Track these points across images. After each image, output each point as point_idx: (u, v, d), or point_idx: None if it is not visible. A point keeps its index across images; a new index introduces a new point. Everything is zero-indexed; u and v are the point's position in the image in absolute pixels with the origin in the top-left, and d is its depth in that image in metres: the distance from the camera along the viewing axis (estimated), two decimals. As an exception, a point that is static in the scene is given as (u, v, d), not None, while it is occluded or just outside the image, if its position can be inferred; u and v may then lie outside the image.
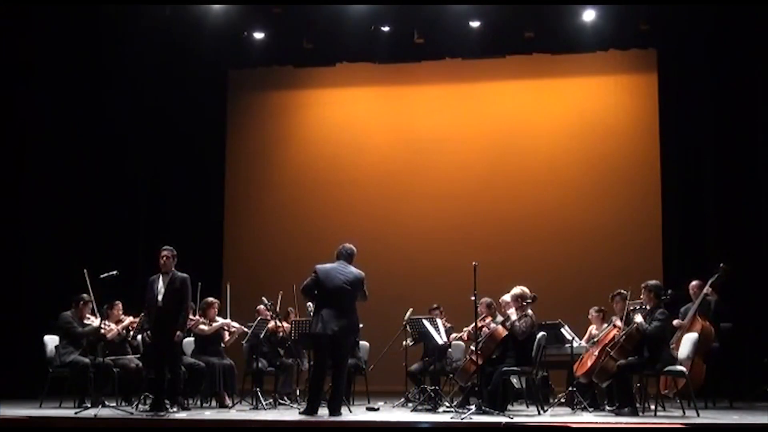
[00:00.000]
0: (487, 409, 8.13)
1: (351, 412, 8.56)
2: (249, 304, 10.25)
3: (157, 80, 12.66)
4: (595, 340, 8.97)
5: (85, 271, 9.23)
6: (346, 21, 11.68)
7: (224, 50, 12.55)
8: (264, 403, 8.99)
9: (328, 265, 8.28)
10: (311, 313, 9.21)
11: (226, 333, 9.86)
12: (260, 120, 13.77)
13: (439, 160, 13.20)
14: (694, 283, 9.61)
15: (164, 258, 8.53)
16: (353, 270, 8.28)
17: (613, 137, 12.80)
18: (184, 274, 8.57)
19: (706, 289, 9.34)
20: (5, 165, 11.31)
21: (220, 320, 9.81)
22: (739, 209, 11.26)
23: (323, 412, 8.11)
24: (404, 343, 9.83)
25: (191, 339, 9.78)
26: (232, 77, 13.76)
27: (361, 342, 10.27)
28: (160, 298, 8.43)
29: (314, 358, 8.41)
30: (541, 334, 8.70)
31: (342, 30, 11.84)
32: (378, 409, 9.05)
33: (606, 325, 9.23)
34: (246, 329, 9.64)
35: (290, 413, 8.52)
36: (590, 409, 8.63)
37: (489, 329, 8.79)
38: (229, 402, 9.44)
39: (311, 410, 8.07)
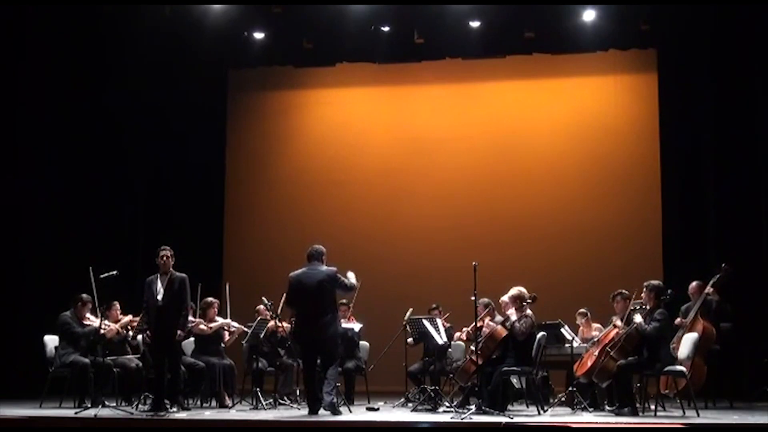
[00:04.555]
0: (487, 409, 8.14)
1: (351, 412, 8.56)
2: (249, 304, 10.25)
3: (157, 80, 12.65)
4: (595, 340, 8.96)
5: (90, 268, 9.20)
6: (346, 21, 11.68)
7: (224, 50, 12.54)
8: (264, 403, 8.98)
9: (299, 271, 8.38)
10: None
11: (226, 333, 9.87)
12: (260, 120, 13.76)
13: (439, 160, 13.19)
14: (693, 284, 9.62)
15: (164, 258, 8.53)
16: (323, 269, 8.33)
17: (613, 137, 12.79)
18: (183, 274, 8.58)
19: (708, 289, 9.34)
20: (5, 165, 11.30)
21: (219, 320, 9.81)
22: (739, 209, 11.25)
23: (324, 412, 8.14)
24: (409, 340, 9.83)
25: (191, 339, 9.77)
26: (232, 77, 13.75)
27: (361, 342, 10.28)
28: (159, 298, 8.44)
29: (302, 361, 8.50)
30: (541, 334, 8.69)
31: (342, 30, 11.84)
32: (378, 409, 9.05)
33: (597, 325, 9.29)
34: (246, 329, 9.64)
35: (290, 413, 8.52)
36: (590, 409, 8.62)
37: (489, 329, 8.79)
38: (229, 402, 9.44)
39: (311, 411, 8.14)
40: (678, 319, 9.25)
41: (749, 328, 10.31)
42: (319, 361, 8.32)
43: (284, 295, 8.68)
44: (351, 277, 8.51)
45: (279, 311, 9.33)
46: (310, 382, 8.27)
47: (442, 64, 12.88)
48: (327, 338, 8.22)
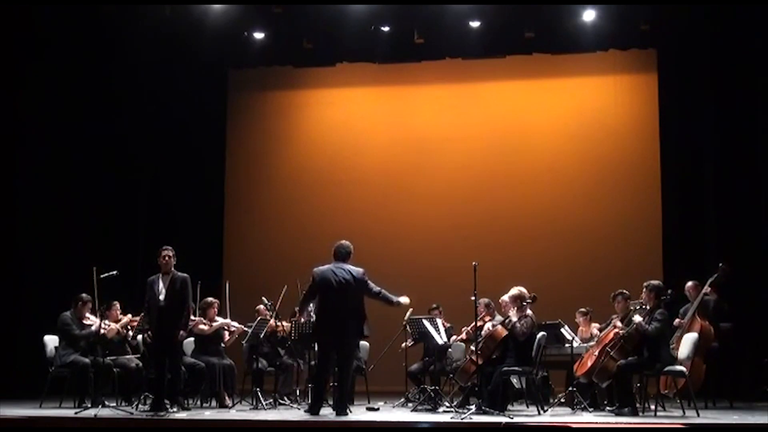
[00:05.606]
0: (487, 409, 8.13)
1: (351, 412, 8.55)
2: (249, 304, 10.25)
3: (158, 80, 12.65)
4: (596, 339, 8.97)
5: (94, 269, 9.14)
6: (346, 21, 11.67)
7: (224, 50, 12.55)
8: (264, 403, 8.98)
9: (325, 267, 8.28)
10: (312, 313, 9.23)
11: (226, 333, 9.86)
12: (260, 120, 13.77)
13: (439, 160, 13.20)
14: (689, 284, 9.62)
15: (166, 258, 8.53)
16: (351, 269, 8.26)
17: (613, 137, 12.80)
18: (185, 274, 8.58)
19: (706, 288, 9.34)
20: (4, 164, 11.30)
21: (219, 320, 9.81)
22: (739, 209, 11.26)
23: (324, 412, 8.12)
24: (403, 345, 9.87)
25: (191, 339, 9.77)
26: (232, 77, 13.76)
27: (361, 342, 10.27)
28: (161, 298, 8.44)
29: (317, 359, 8.42)
30: (541, 334, 8.69)
31: (342, 30, 11.84)
32: (378, 409, 9.05)
33: (595, 325, 9.34)
34: (246, 329, 9.64)
35: (290, 413, 8.52)
36: (590, 409, 8.62)
37: (489, 329, 8.79)
38: (229, 402, 9.44)
39: (314, 410, 8.11)
40: (676, 320, 9.25)
41: (749, 328, 10.32)
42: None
43: (285, 289, 8.59)
44: (403, 300, 8.40)
45: (279, 303, 9.31)
46: (320, 383, 8.22)
47: (442, 64, 12.88)
48: (348, 340, 8.16)
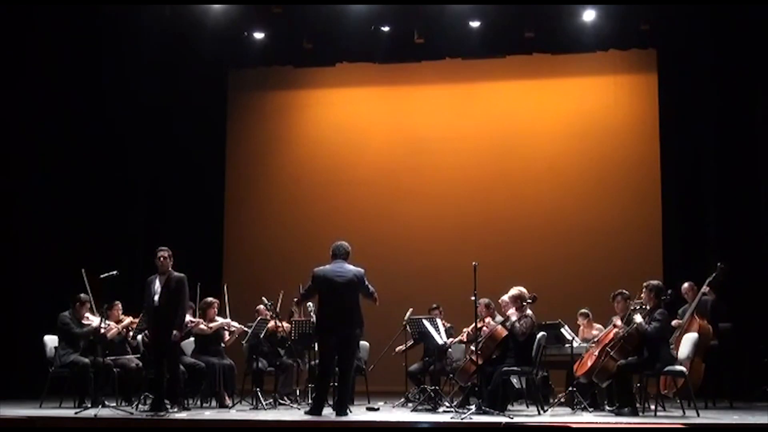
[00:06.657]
0: (487, 409, 8.13)
1: (351, 412, 8.55)
2: (249, 304, 10.25)
3: (157, 80, 12.65)
4: (596, 339, 8.97)
5: (83, 270, 9.19)
6: (346, 21, 11.68)
7: (224, 50, 12.56)
8: (264, 403, 8.99)
9: (326, 267, 8.27)
10: (312, 313, 9.23)
11: (226, 333, 9.87)
12: (260, 120, 13.77)
13: (439, 160, 13.20)
14: (685, 285, 9.63)
15: (162, 258, 8.51)
16: (351, 268, 8.26)
17: (613, 137, 12.81)
18: (181, 274, 8.57)
19: (704, 288, 9.34)
20: (3, 165, 11.30)
21: (219, 320, 9.81)
22: (739, 209, 11.26)
23: (324, 412, 8.12)
24: (398, 348, 9.88)
25: (191, 339, 9.77)
26: (232, 77, 13.76)
27: (361, 342, 10.27)
28: (156, 298, 8.43)
29: (319, 359, 8.42)
30: (541, 334, 8.69)
31: (342, 30, 11.85)
32: (378, 409, 9.05)
33: (597, 326, 9.36)
34: (246, 329, 9.64)
35: (290, 413, 8.52)
36: (590, 409, 8.62)
37: (489, 329, 8.79)
38: (229, 402, 9.44)
39: (316, 410, 8.09)
40: (675, 321, 9.25)
41: (749, 328, 10.31)
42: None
43: (282, 294, 8.54)
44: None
45: (279, 304, 9.31)
46: (322, 384, 8.19)
47: (442, 64, 12.89)
48: (350, 340, 8.15)
